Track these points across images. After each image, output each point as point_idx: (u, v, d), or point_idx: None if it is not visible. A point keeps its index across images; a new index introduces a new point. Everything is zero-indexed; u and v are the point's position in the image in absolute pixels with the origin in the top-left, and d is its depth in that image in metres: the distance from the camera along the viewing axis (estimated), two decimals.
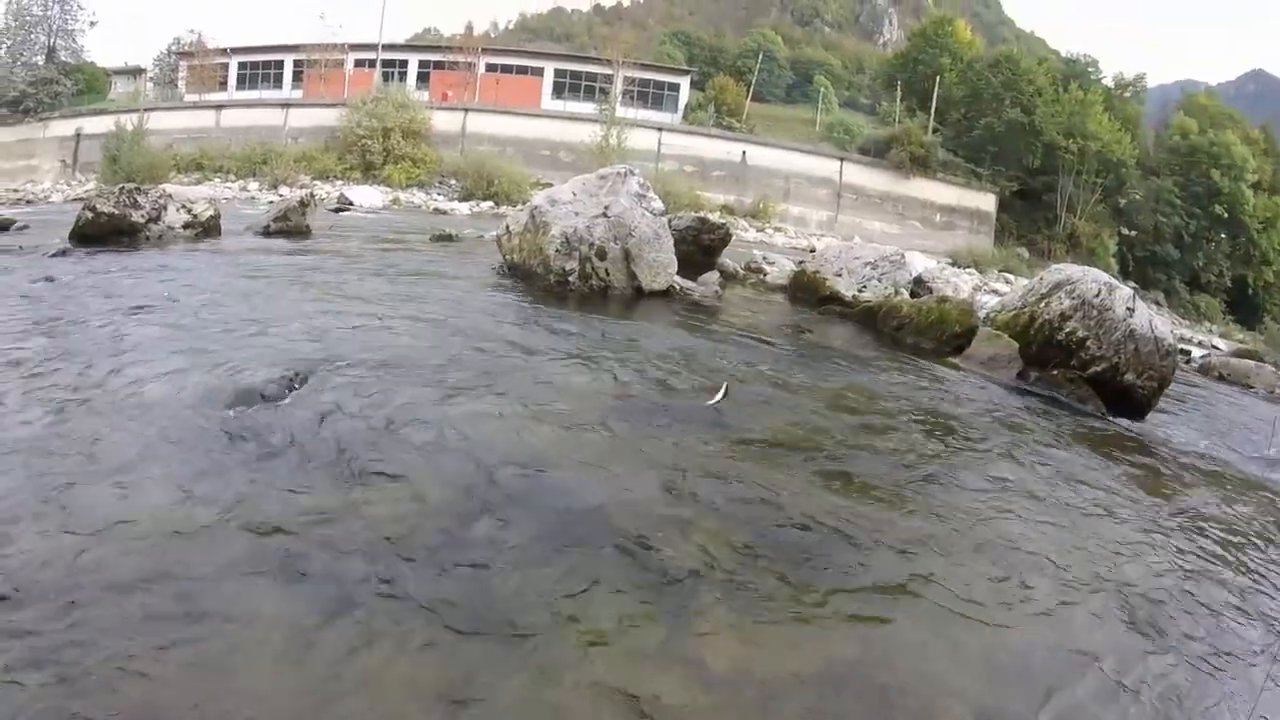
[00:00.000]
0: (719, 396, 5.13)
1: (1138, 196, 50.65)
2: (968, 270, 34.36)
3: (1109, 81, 58.04)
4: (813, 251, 18.26)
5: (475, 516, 3.24)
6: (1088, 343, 7.69)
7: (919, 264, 13.06)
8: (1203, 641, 3.19)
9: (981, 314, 9.21)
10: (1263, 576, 3.98)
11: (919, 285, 11.21)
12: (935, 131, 51.44)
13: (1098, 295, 7.86)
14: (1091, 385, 7.54)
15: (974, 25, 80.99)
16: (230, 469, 3.44)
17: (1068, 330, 7.81)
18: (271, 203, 23.15)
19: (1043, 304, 8.20)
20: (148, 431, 3.78)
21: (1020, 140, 49.71)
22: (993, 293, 20.35)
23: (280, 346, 5.40)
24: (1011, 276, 34.20)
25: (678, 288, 9.59)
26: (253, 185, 38.30)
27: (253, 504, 3.14)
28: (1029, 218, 49.82)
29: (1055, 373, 7.67)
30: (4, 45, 57.18)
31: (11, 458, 3.40)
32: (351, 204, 29.50)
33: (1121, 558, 3.78)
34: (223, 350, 5.15)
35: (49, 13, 58.56)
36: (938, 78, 54.52)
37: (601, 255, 9.14)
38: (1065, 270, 8.69)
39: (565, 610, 2.69)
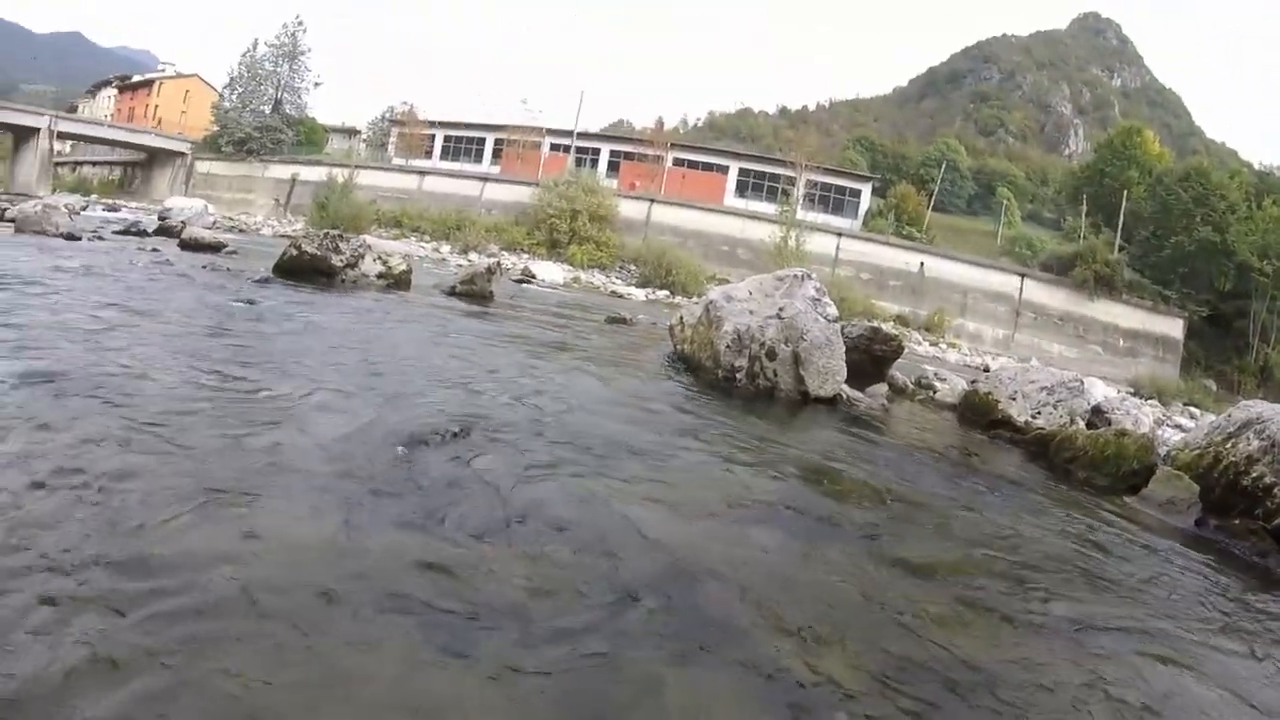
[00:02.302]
0: None
1: None
2: (1149, 402, 32.81)
3: None
4: (986, 371, 17.89)
5: (604, 601, 3.27)
6: (1275, 490, 7.02)
7: (1098, 392, 12.66)
8: None
9: (1162, 451, 8.77)
10: None
11: (1096, 415, 10.81)
12: (1121, 250, 49.63)
13: None
14: (1274, 538, 6.88)
15: (1163, 136, 78.55)
16: (375, 503, 3.68)
17: (1254, 474, 7.19)
18: (460, 266, 24.29)
19: (1229, 444, 7.64)
20: (315, 456, 4.11)
21: (1211, 261, 47.40)
22: (1175, 428, 19.30)
23: (448, 400, 5.77)
24: (1196, 411, 32.43)
25: (845, 396, 9.57)
26: (445, 248, 40.52)
27: (395, 544, 3.35)
28: (1218, 346, 47.13)
29: (1236, 522, 7.06)
30: (236, 91, 65.01)
31: (193, 463, 3.74)
32: (534, 277, 30.65)
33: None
34: (394, 394, 5.60)
35: (279, 69, 66.38)
36: (1124, 192, 52.83)
37: (771, 356, 9.22)
38: (1256, 407, 8.14)
39: (678, 707, 2.68)
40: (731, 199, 53.42)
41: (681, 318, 10.46)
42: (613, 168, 56.32)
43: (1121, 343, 45.83)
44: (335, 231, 13.34)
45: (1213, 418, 9.81)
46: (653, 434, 6.16)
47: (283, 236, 28.84)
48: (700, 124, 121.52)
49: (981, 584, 4.40)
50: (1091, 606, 4.46)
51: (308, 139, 65.11)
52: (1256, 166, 63.57)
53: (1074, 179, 67.30)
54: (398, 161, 60.15)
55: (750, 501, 5.02)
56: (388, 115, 72.35)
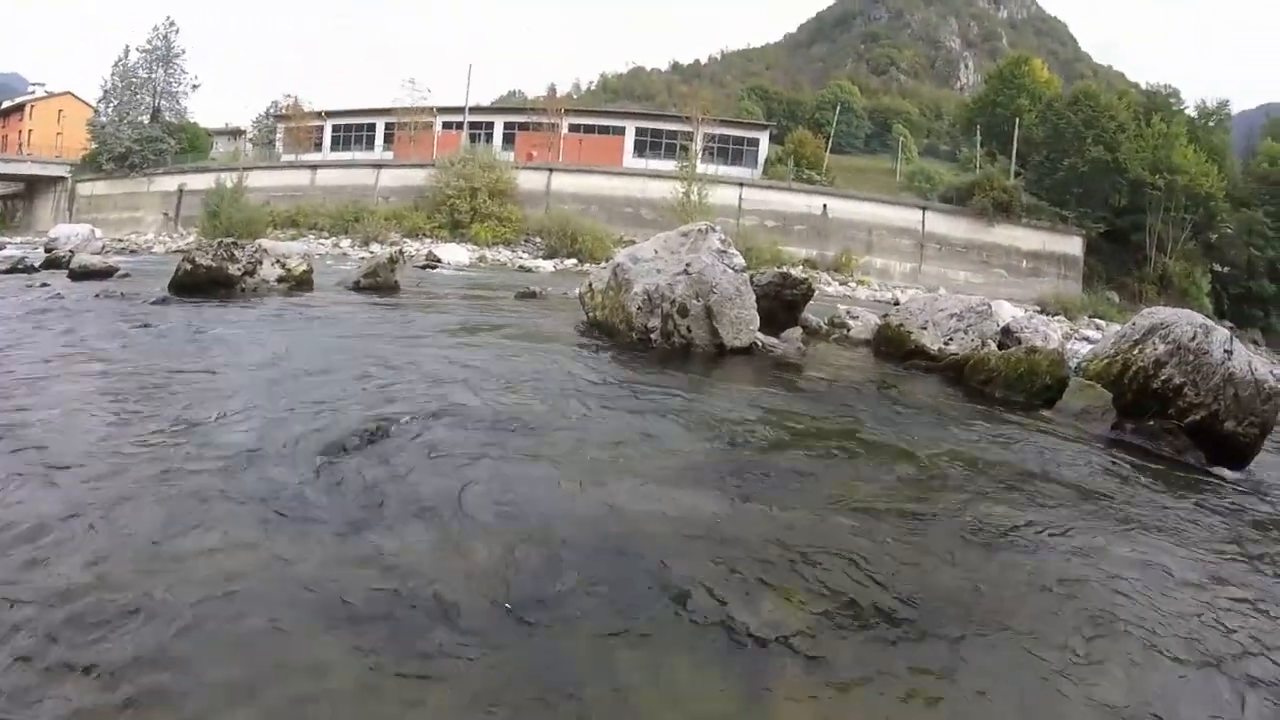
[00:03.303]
0: None
1: (1229, 230, 49.40)
2: (1056, 318, 33.75)
3: (1192, 111, 56.66)
4: (897, 304, 18.10)
5: (547, 575, 3.24)
6: (1184, 390, 7.29)
7: (1006, 313, 12.86)
8: None
9: (1072, 364, 8.96)
10: None
11: (1007, 336, 10.98)
12: (1017, 175, 50.90)
13: (1193, 338, 7.48)
14: (1189, 435, 7.18)
15: (1050, 63, 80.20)
16: (304, 518, 3.53)
17: (1163, 377, 7.44)
18: (363, 259, 23.79)
19: (1136, 350, 7.84)
20: (233, 477, 3.93)
21: (1105, 179, 48.83)
22: (1084, 340, 19.85)
23: (362, 399, 5.56)
24: (1102, 322, 33.43)
25: (760, 344, 9.56)
26: (345, 242, 39.72)
27: (324, 551, 3.24)
28: (1118, 260, 48.73)
29: (1151, 423, 7.33)
30: (111, 104, 62.37)
31: (110, 496, 3.55)
32: (439, 261, 30.28)
33: (1216, 612, 3.64)
34: (306, 401, 5.35)
35: (154, 75, 63.52)
36: (1017, 119, 53.99)
37: (684, 312, 9.16)
38: (1158, 313, 8.35)
39: (633, 678, 2.65)
40: (631, 160, 53.22)
41: (590, 284, 10.33)
42: (508, 140, 55.57)
43: (1024, 264, 47.00)
44: (229, 240, 12.94)
45: (1118, 327, 9.98)
46: (575, 403, 6.06)
47: (176, 252, 27.77)
48: (594, 87, 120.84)
49: (912, 510, 4.40)
50: (1025, 512, 4.53)
51: (191, 145, 62.36)
52: (1144, 86, 65.08)
53: (967, 111, 68.43)
54: (287, 158, 58.38)
55: (678, 459, 4.97)
56: (272, 110, 70.00)
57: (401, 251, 31.08)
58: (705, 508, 4.16)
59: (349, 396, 5.67)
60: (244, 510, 3.59)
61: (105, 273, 14.75)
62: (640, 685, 2.61)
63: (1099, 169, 48.97)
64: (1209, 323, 7.85)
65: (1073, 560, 3.98)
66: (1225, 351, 7.42)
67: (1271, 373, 7.81)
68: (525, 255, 37.89)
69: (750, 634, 2.94)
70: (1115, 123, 50.93)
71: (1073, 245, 47.94)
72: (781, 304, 11.06)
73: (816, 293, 13.85)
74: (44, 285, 12.43)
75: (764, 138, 55.87)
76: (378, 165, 53.13)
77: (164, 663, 2.45)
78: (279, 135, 63.50)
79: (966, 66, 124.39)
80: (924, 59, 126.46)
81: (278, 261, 12.42)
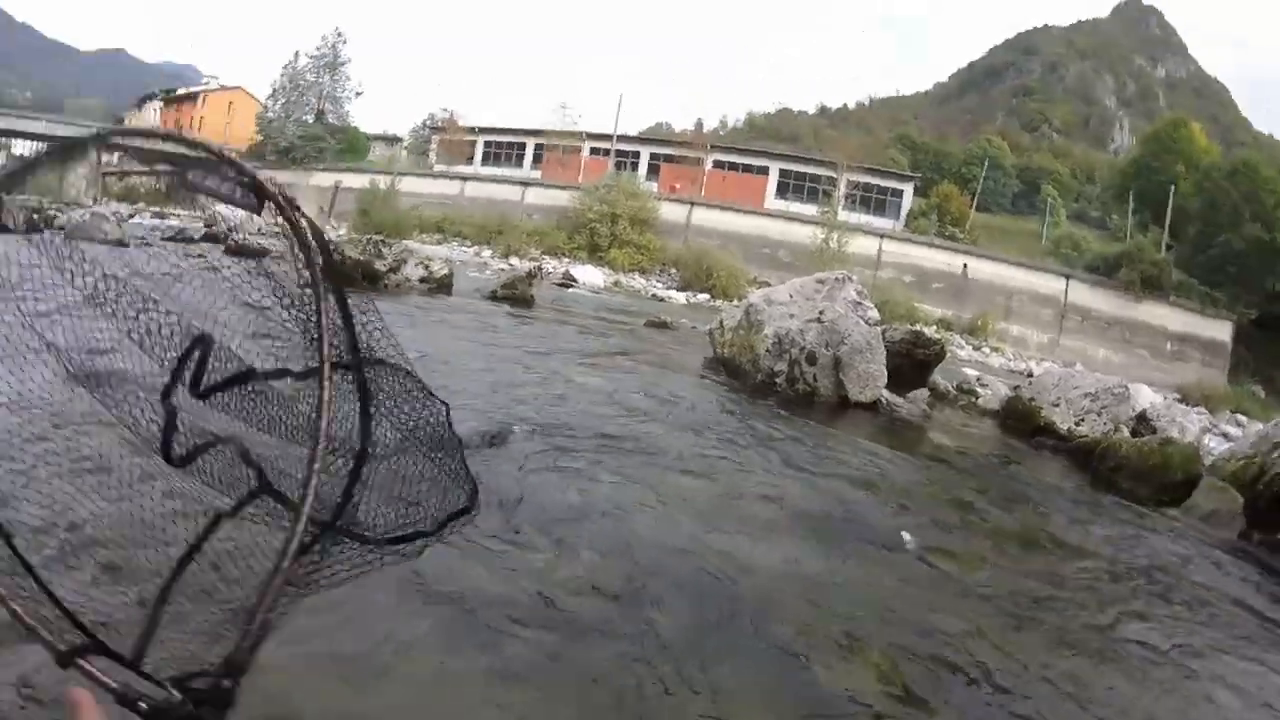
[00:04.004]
0: None
1: None
2: (1196, 409, 32.33)
3: None
4: (1030, 377, 17.76)
5: (640, 603, 3.33)
6: None
7: (1144, 399, 12.50)
8: None
9: (1207, 461, 8.66)
10: None
11: (1141, 423, 10.70)
12: (1168, 248, 48.70)
13: None
14: None
15: (1209, 128, 76.96)
16: None
17: None
18: (502, 270, 24.37)
19: (1275, 454, 7.55)
20: None
21: (1261, 259, 45.81)
22: (1222, 436, 19.00)
23: (487, 404, 5.81)
24: (1244, 419, 31.90)
25: (885, 401, 9.56)
26: (486, 252, 40.56)
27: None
28: (1269, 350, 46.13)
29: None
30: (279, 102, 66.06)
31: None
32: (575, 281, 30.62)
33: None
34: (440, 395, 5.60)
35: (320, 80, 66.90)
36: (1171, 187, 51.87)
37: (811, 360, 9.23)
38: None
39: (700, 709, 2.72)
40: (772, 201, 53.00)
41: (722, 321, 10.50)
42: (653, 171, 56.11)
43: (1168, 347, 44.92)
44: (378, 237, 13.50)
45: (1260, 426, 9.65)
46: (693, 437, 6.22)
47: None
48: (739, 125, 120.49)
49: (1014, 593, 4.40)
50: (1132, 620, 4.45)
51: (350, 147, 65.57)
52: None
53: (1120, 175, 66.14)
54: (439, 168, 60.33)
55: (787, 507, 5.08)
56: (429, 123, 72.62)
57: (540, 267, 31.80)
58: (805, 557, 4.26)
59: (477, 397, 5.93)
60: None
61: (259, 253, 15.47)
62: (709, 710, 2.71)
63: (1255, 248, 46.34)
64: None
65: (1169, 661, 3.95)
66: None
67: None
68: (659, 285, 38.04)
69: (822, 685, 3.01)
70: (1276, 198, 48.09)
71: (1222, 330, 45.61)
72: (911, 363, 11.00)
73: (948, 355, 13.74)
74: (200, 256, 13.11)
75: (908, 189, 55.03)
76: (525, 183, 54.26)
77: None
78: (433, 146, 65.76)
79: (1121, 127, 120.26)
80: (1077, 116, 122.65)
81: (422, 263, 12.93)
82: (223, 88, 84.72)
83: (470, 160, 61.42)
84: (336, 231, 42.72)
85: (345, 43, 68.36)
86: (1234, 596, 5.45)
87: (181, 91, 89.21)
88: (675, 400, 7.58)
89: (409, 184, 51.06)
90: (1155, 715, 3.44)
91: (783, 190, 53.91)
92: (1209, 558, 6.29)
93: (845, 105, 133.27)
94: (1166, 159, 58.33)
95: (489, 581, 3.24)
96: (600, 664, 2.86)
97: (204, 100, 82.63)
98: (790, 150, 66.00)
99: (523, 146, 60.96)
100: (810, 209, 48.55)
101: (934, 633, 3.66)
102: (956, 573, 4.58)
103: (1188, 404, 30.68)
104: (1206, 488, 7.75)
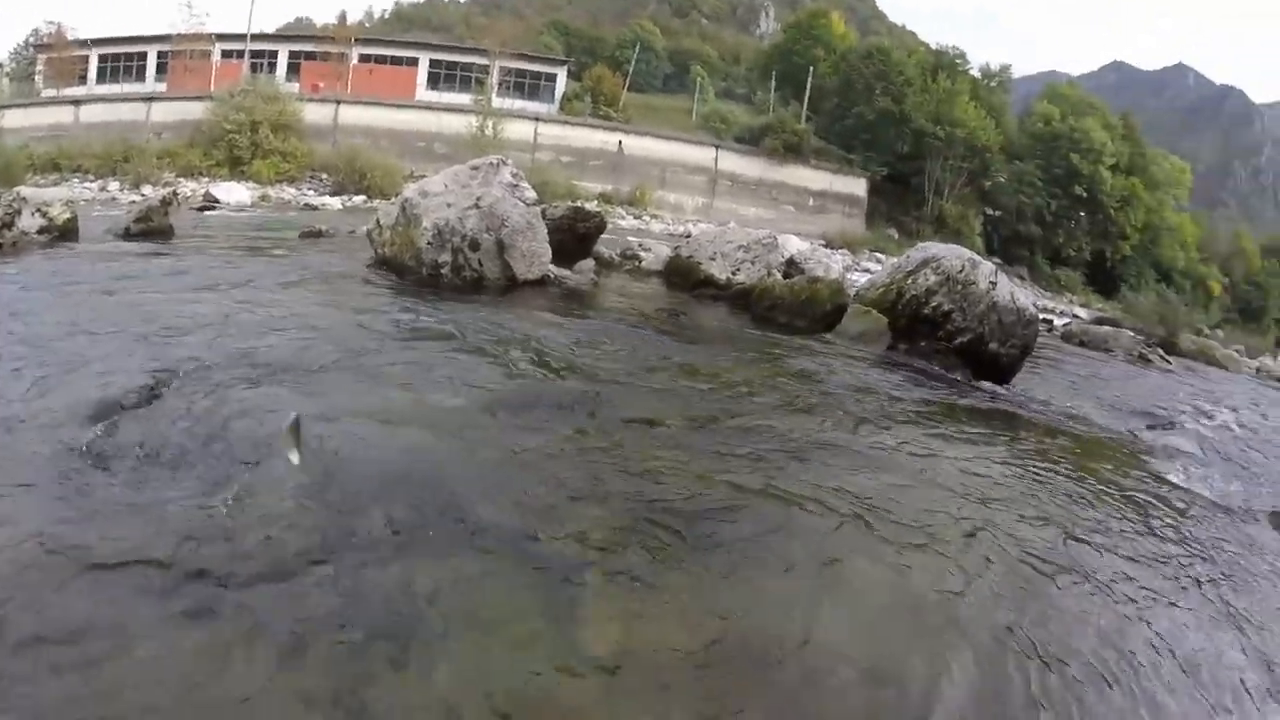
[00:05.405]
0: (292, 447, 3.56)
1: (1002, 179, 53.51)
2: (840, 251, 35.23)
3: (976, 72, 60.47)
4: (688, 237, 18.38)
5: (353, 517, 3.14)
6: (953, 315, 8.04)
7: (792, 246, 13.22)
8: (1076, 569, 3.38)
9: (852, 292, 9.49)
10: (1100, 503, 4.35)
11: (791, 267, 11.34)
12: (809, 120, 52.71)
13: (961, 270, 8.19)
14: (958, 355, 7.95)
15: (847, 18, 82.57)
16: (86, 486, 3.23)
17: (934, 304, 8.15)
18: (133, 203, 22.12)
19: (910, 280, 8.53)
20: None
21: (891, 128, 51.97)
22: (864, 272, 20.99)
23: (140, 354, 5.08)
24: (882, 256, 35.20)
25: (553, 276, 9.54)
26: (113, 185, 36.37)
27: (109, 523, 2.96)
28: (899, 201, 51.86)
29: (923, 344, 8.03)
30: None
31: None
32: (218, 202, 28.34)
33: (982, 504, 3.93)
34: (79, 360, 4.80)
35: None
36: (811, 69, 55.81)
37: (474, 246, 9.01)
38: (930, 248, 8.99)
39: (446, 607, 2.65)
40: (424, 92, 51.45)
41: (379, 221, 9.99)
42: (293, 71, 52.19)
43: (812, 202, 48.87)
44: None
45: (894, 259, 10.52)
46: (364, 343, 5.84)
47: None
48: (387, 16, 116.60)
49: (703, 427, 4.54)
50: (807, 430, 4.72)
51: None
52: (933, 46, 68.18)
53: (765, 58, 70.14)
54: (48, 93, 52.86)
55: (471, 392, 4.89)
56: (32, 40, 63.53)
57: (176, 193, 28.91)
58: (502, 438, 4.15)
59: (122, 352, 5.18)
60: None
61: None
62: (453, 615, 2.63)
63: (886, 118, 51.98)
64: (976, 257, 8.60)
65: (852, 461, 4.19)
66: (990, 283, 8.14)
67: (1032, 302, 8.59)
68: (311, 193, 35.94)
69: (555, 552, 3.01)
70: (904, 77, 53.83)
71: (858, 186, 50.27)
72: (574, 237, 11.08)
73: (610, 226, 13.95)
74: None
75: (562, 73, 55.24)
76: (149, 99, 48.59)
77: None
78: (39, 68, 57.35)
79: (767, 15, 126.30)
80: (726, 5, 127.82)
81: (38, 210, 11.30)
82: None
83: (84, 80, 53.85)
84: None
85: None
86: (889, 392, 6.10)
87: None
88: (342, 309, 7.10)
89: (15, 118, 44.36)
90: (830, 503, 3.63)
91: (434, 81, 52.49)
92: (864, 365, 7.08)
93: None
94: (807, 44, 62.39)
95: (187, 550, 2.83)
96: (328, 586, 2.72)
97: None
98: (441, 40, 64.52)
99: (144, 56, 54.27)
100: (464, 98, 47.57)
101: (635, 478, 3.71)
102: (644, 416, 4.65)
103: (831, 248, 33.40)
104: (855, 314, 8.51)
